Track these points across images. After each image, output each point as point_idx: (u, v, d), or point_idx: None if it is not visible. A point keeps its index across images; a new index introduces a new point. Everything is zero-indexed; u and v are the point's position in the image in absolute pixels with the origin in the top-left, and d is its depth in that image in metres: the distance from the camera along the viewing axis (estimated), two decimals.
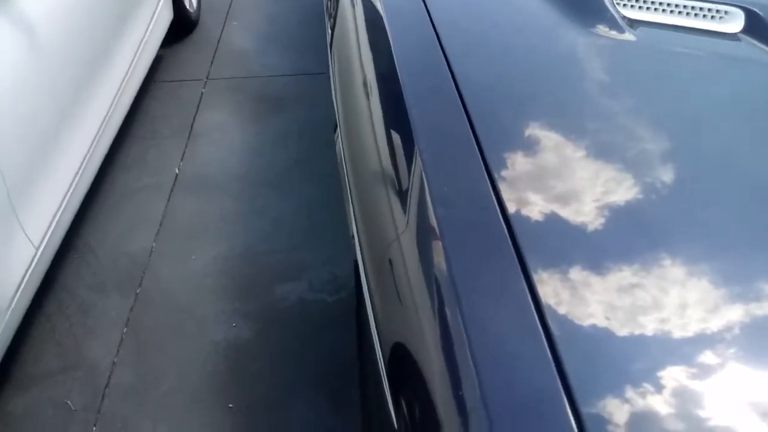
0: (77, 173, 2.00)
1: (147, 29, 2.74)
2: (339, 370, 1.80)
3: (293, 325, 1.93)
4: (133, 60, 2.54)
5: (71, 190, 1.96)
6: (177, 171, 2.58)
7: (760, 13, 1.08)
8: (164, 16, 3.04)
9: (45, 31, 1.83)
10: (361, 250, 1.01)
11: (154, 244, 2.24)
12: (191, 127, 2.83)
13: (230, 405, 1.73)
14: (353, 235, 1.07)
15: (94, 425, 1.71)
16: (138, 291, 2.07)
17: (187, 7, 3.38)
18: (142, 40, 2.66)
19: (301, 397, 1.74)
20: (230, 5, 3.90)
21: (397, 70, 1.05)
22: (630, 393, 0.59)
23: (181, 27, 3.44)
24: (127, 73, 2.47)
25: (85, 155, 2.07)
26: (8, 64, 1.65)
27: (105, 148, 2.31)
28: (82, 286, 2.10)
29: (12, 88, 1.65)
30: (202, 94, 3.07)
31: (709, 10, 1.12)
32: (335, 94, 1.47)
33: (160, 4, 2.95)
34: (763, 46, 1.05)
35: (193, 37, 3.58)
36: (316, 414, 1.70)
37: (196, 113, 2.93)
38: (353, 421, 1.69)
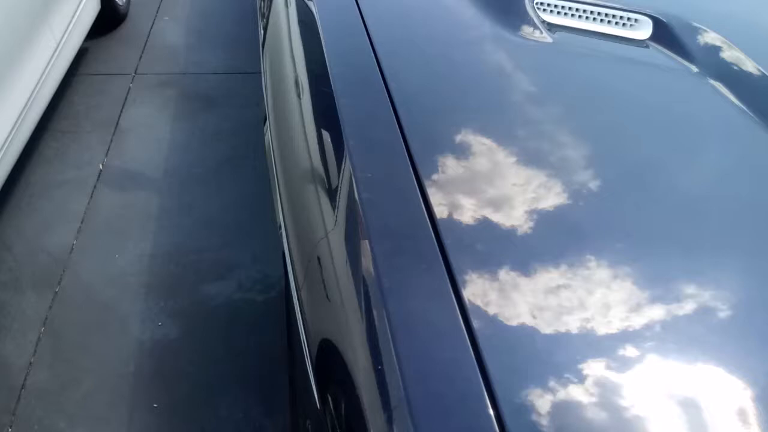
0: None
1: (71, 20, 2.64)
2: (268, 370, 1.79)
3: (222, 324, 1.91)
4: (55, 51, 2.44)
5: None
6: (101, 166, 2.49)
7: (667, 22, 1.16)
8: (90, 7, 2.93)
9: None
10: (288, 241, 1.01)
11: (75, 241, 2.16)
12: (117, 122, 2.75)
13: (155, 405, 1.69)
14: (280, 226, 1.08)
15: (10, 427, 1.63)
16: (57, 289, 1.99)
17: None
18: (65, 31, 2.56)
19: (229, 396, 1.72)
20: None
21: (329, 70, 1.07)
22: (549, 386, 0.63)
23: (109, 19, 3.33)
24: (48, 65, 2.37)
25: (0, 147, 1.97)
26: None
27: (23, 141, 2.20)
28: None
29: None
30: (129, 88, 2.98)
31: (621, 17, 1.20)
32: (266, 90, 1.46)
33: None
34: (668, 53, 1.13)
35: (122, 31, 3.47)
36: (245, 413, 1.69)
37: (122, 108, 2.84)
38: (283, 419, 1.68)
